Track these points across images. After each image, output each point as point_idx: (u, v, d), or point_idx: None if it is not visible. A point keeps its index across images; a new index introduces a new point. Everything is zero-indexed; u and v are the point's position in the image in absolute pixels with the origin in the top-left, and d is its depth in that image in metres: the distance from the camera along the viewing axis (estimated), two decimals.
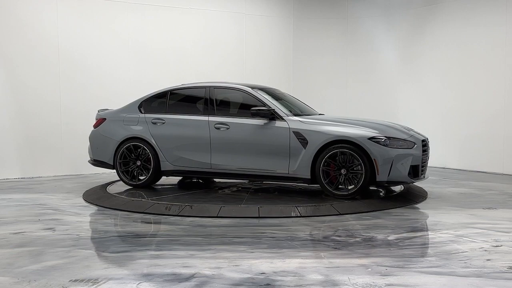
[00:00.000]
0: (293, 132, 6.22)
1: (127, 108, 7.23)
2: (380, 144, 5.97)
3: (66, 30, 8.87)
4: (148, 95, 7.22)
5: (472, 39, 9.33)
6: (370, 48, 11.18)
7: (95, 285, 3.38)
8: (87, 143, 7.56)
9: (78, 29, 8.98)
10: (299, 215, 5.49)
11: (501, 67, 8.88)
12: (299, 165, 6.19)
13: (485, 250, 4.18)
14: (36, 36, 8.65)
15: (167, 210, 5.68)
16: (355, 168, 6.01)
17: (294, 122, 6.31)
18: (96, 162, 7.36)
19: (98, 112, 7.55)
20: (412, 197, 6.47)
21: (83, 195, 6.80)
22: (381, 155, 5.93)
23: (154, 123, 6.91)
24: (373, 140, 6.00)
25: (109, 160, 7.11)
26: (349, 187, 6.08)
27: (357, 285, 3.38)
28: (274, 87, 7.64)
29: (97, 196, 6.55)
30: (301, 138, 6.19)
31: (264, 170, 6.39)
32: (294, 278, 3.51)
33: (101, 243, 4.48)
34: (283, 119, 6.34)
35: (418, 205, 6.19)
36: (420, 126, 10.17)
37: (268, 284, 3.40)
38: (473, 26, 9.31)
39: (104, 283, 3.42)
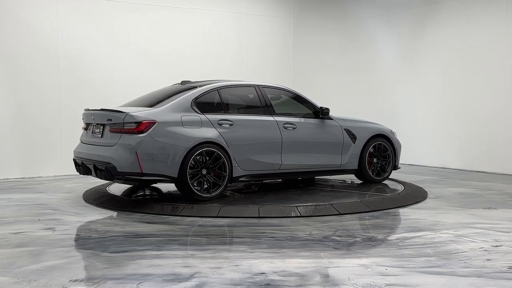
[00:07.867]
0: (344, 129, 7.07)
1: (175, 107, 6.01)
2: (395, 136, 7.53)
3: (66, 30, 8.87)
4: (198, 93, 6.24)
5: (472, 38, 9.33)
6: (370, 48, 11.18)
7: (95, 285, 3.38)
8: None
9: (78, 29, 8.97)
10: (299, 215, 5.49)
11: (501, 67, 8.88)
12: (349, 158, 7.08)
13: (485, 250, 4.18)
14: (36, 36, 8.64)
15: (167, 210, 5.68)
16: (381, 158, 7.31)
17: (340, 120, 7.15)
18: (148, 177, 5.79)
19: (123, 113, 5.82)
20: (412, 197, 6.47)
21: (83, 195, 6.79)
22: (398, 144, 7.51)
23: (220, 125, 6.14)
24: (392, 132, 7.52)
25: (173, 172, 5.77)
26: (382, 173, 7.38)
27: (357, 285, 3.38)
28: None
29: (97, 196, 6.55)
30: (351, 134, 7.09)
31: (321, 166, 6.97)
32: (294, 278, 3.51)
33: (101, 243, 4.48)
34: (331, 118, 7.06)
35: (418, 205, 6.19)
36: (420, 125, 10.19)
37: (268, 284, 3.40)
38: (473, 25, 9.30)
39: (104, 283, 3.42)
